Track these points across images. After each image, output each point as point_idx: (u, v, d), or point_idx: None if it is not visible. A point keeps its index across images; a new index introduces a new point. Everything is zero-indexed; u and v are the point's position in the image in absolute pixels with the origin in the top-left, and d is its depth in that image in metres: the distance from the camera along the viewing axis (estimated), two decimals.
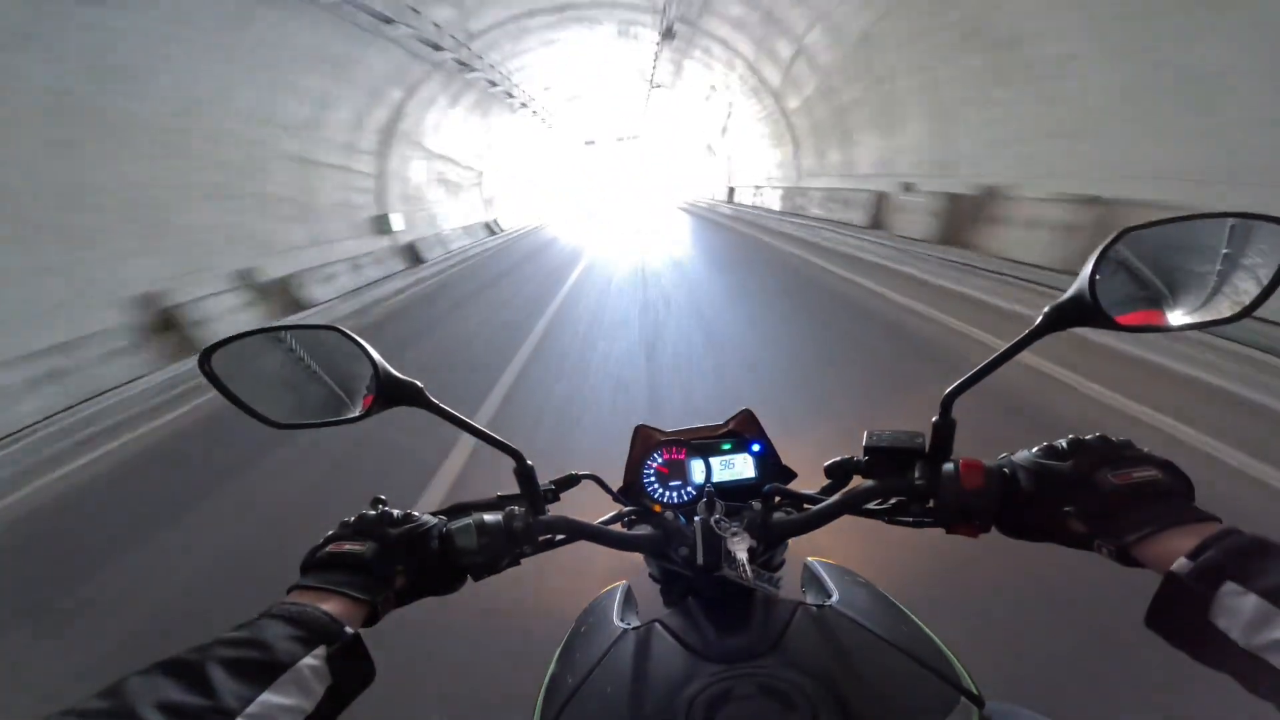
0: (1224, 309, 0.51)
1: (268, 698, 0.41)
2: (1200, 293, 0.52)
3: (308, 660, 0.45)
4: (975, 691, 0.57)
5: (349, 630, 0.49)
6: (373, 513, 0.64)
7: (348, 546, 0.58)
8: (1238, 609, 0.39)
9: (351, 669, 0.48)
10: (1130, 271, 0.52)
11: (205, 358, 0.58)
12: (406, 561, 0.60)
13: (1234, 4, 4.17)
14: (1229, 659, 0.40)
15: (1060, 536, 0.54)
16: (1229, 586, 0.40)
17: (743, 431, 0.84)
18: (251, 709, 0.40)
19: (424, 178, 15.37)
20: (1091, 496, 0.51)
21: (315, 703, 0.44)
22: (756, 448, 0.80)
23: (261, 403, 0.60)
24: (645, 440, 0.82)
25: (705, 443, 0.80)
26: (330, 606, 0.50)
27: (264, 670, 0.42)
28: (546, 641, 0.76)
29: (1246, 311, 0.50)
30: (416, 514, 0.65)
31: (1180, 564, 0.43)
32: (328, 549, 0.58)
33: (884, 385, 3.70)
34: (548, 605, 1.93)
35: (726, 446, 0.80)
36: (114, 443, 4.29)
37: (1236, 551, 0.41)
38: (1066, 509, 0.52)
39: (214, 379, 0.59)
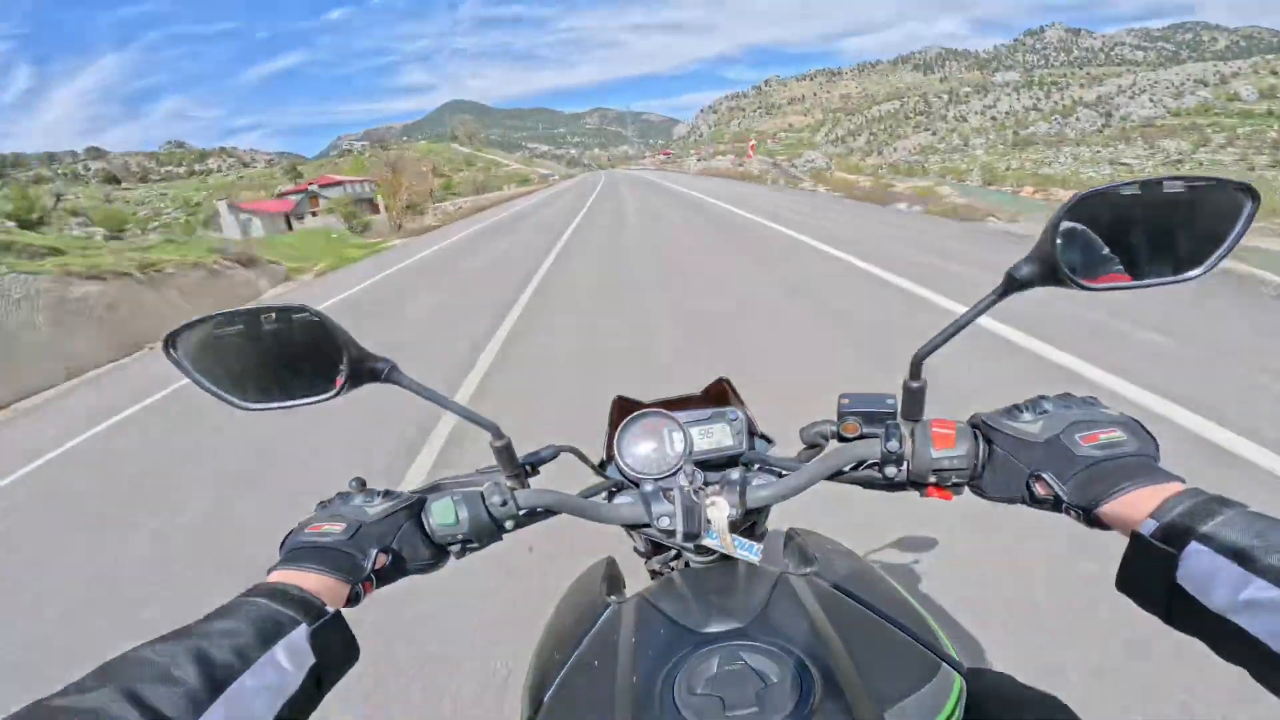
0: (1184, 266, 0.54)
1: (247, 679, 0.40)
2: (1160, 251, 0.54)
3: (288, 639, 0.44)
4: (956, 658, 0.58)
5: (330, 608, 0.49)
6: (350, 493, 0.64)
7: (325, 527, 0.58)
8: (1205, 570, 0.38)
9: (335, 648, 0.48)
10: (1091, 232, 0.54)
11: (170, 342, 0.57)
12: (384, 541, 0.59)
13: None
14: (1199, 622, 0.39)
15: (1030, 499, 0.54)
16: (1194, 547, 0.39)
17: (720, 399, 0.85)
18: (230, 691, 0.39)
19: None
20: (1061, 460, 0.51)
21: (299, 682, 0.44)
22: (734, 416, 0.80)
23: (229, 384, 0.61)
24: (623, 411, 0.80)
25: (683, 412, 0.79)
26: (309, 585, 0.50)
27: (243, 651, 0.41)
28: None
29: (1208, 267, 0.53)
30: (396, 492, 0.65)
31: (1145, 525, 0.42)
32: (306, 531, 0.58)
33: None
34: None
35: (704, 415, 0.79)
36: None
37: (1201, 511, 0.40)
38: (1037, 473, 0.52)
39: (179, 363, 0.58)
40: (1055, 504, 0.51)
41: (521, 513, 0.65)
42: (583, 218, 17.43)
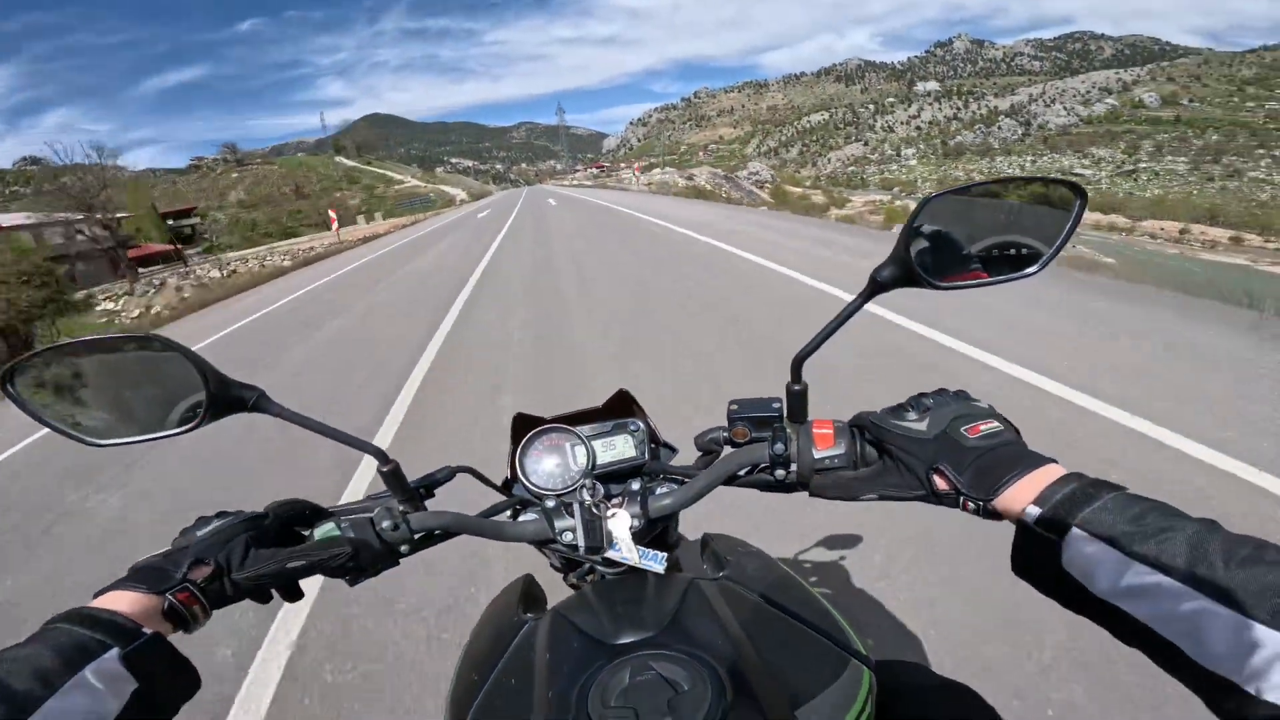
0: (1026, 263, 0.57)
1: (55, 704, 0.38)
2: (1005, 249, 0.57)
3: (97, 663, 0.42)
4: (865, 653, 0.60)
5: (146, 630, 0.46)
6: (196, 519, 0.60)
7: (160, 552, 0.55)
8: (1086, 557, 0.39)
9: (159, 671, 0.45)
10: (940, 234, 0.56)
11: (7, 378, 0.54)
12: (204, 553, 0.54)
13: None
14: (1088, 607, 0.40)
15: (931, 493, 0.53)
16: (1074, 534, 0.40)
17: (621, 411, 0.84)
18: (36, 716, 0.37)
19: None
20: (954, 453, 0.52)
21: (120, 706, 0.41)
22: (634, 426, 0.79)
23: (78, 421, 0.58)
24: (525, 427, 0.79)
25: (585, 425, 0.78)
26: (121, 606, 0.47)
27: (46, 677, 0.39)
28: None
29: (1045, 263, 0.57)
30: (254, 512, 0.61)
31: (1028, 512, 0.43)
32: (146, 557, 0.54)
33: None
34: None
35: (606, 428, 0.78)
36: None
37: (1080, 497, 0.41)
38: (934, 467, 0.52)
39: (18, 400, 0.55)
40: (955, 497, 0.51)
41: (417, 536, 0.65)
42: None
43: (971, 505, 0.50)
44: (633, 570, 0.66)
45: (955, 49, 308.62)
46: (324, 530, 0.62)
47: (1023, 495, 0.45)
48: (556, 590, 0.82)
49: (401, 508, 0.65)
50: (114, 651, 0.43)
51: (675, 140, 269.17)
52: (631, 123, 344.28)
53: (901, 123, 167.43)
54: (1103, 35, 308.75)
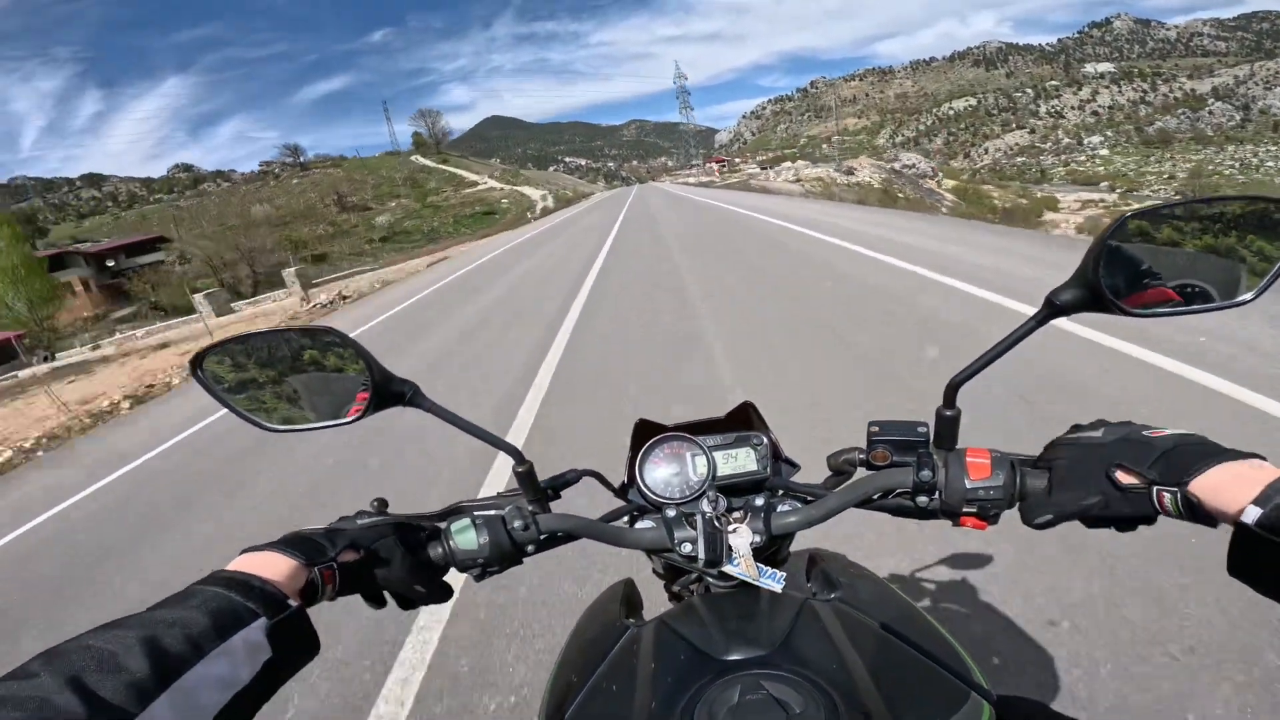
0: (1233, 291, 0.52)
1: (200, 669, 0.39)
2: (1207, 275, 0.52)
3: (245, 633, 0.42)
4: (985, 686, 0.57)
5: (292, 603, 0.47)
6: (356, 512, 0.63)
7: (308, 530, 0.57)
8: None
9: (293, 643, 0.46)
10: (1135, 255, 0.52)
11: (197, 361, 0.58)
12: (356, 540, 0.57)
13: None
14: None
15: (1106, 498, 0.49)
16: None
17: (744, 423, 0.82)
18: (180, 682, 0.37)
19: None
20: (1136, 449, 0.48)
21: (251, 674, 0.42)
22: (758, 440, 0.76)
23: (256, 406, 0.61)
24: (646, 434, 0.77)
25: (707, 436, 0.76)
26: (271, 573, 0.48)
27: (197, 642, 0.40)
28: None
29: (1260, 290, 0.51)
30: (408, 514, 0.65)
31: (1249, 513, 0.40)
32: (294, 531, 0.57)
33: None
34: None
35: (729, 439, 0.76)
36: None
37: None
38: (1115, 464, 0.48)
39: (206, 384, 0.59)
40: (1144, 492, 0.47)
41: (543, 537, 0.65)
42: None
43: (1167, 497, 0.45)
44: (742, 585, 0.65)
45: (1116, 29, 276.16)
46: (459, 525, 0.63)
47: (1234, 489, 0.42)
48: (652, 595, 0.82)
49: (531, 508, 0.67)
50: (261, 621, 0.43)
51: (793, 133, 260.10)
52: (744, 116, 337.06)
53: (1072, 107, 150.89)
54: None
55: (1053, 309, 0.53)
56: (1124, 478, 0.48)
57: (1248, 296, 0.51)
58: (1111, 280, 0.50)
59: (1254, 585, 0.42)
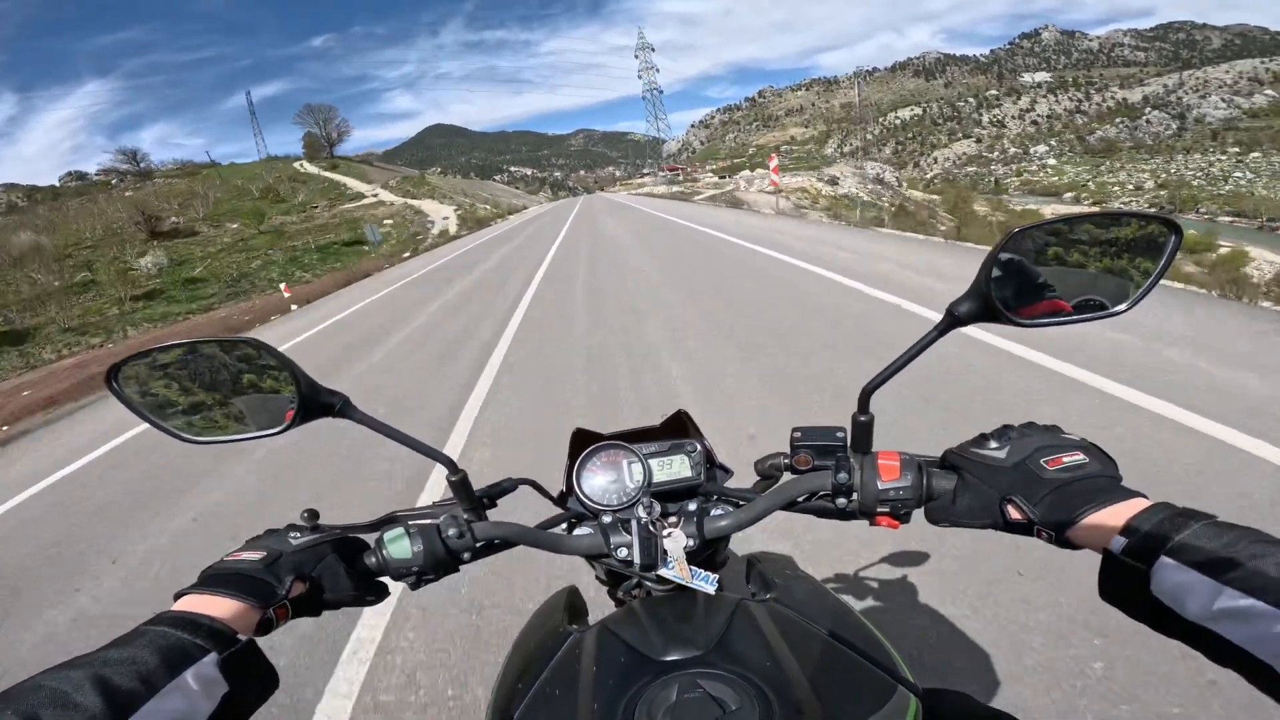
0: (1113, 300, 0.56)
1: (153, 705, 0.39)
2: (1091, 286, 0.56)
3: (196, 668, 0.43)
4: (911, 680, 0.60)
5: (242, 637, 0.48)
6: (279, 530, 0.63)
7: (243, 556, 0.57)
8: (1177, 583, 0.39)
9: (249, 676, 0.47)
10: (1024, 269, 0.55)
11: (112, 374, 0.57)
12: (301, 570, 0.57)
13: None
14: (1182, 631, 0.41)
15: (996, 523, 0.54)
16: (1163, 561, 0.40)
17: (679, 431, 0.85)
18: (136, 718, 0.38)
19: None
20: (1030, 484, 0.52)
21: (210, 710, 0.42)
22: (693, 447, 0.78)
23: (176, 418, 0.61)
24: (583, 443, 0.80)
25: (643, 444, 0.78)
26: (219, 612, 0.49)
27: (147, 679, 0.40)
28: None
29: (1135, 301, 0.55)
30: (330, 526, 0.64)
31: (1115, 542, 0.44)
32: (224, 560, 0.57)
33: None
34: None
35: (664, 447, 0.78)
36: None
37: (1168, 526, 0.41)
38: (1008, 498, 0.53)
39: (121, 396, 0.58)
40: (1027, 527, 0.52)
41: (479, 545, 0.66)
42: None
43: (1044, 535, 0.50)
44: (681, 588, 0.67)
45: (1044, 40, 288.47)
46: (392, 534, 0.64)
47: (1106, 526, 0.45)
48: (597, 602, 0.85)
49: (466, 516, 0.67)
50: (212, 656, 0.44)
51: (742, 142, 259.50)
52: (693, 125, 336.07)
53: (1013, 117, 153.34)
54: (1205, 25, 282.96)
55: (951, 320, 0.56)
56: (1013, 513, 0.52)
57: (1123, 307, 0.56)
58: (1002, 292, 0.53)
59: (1122, 609, 0.45)
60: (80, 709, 0.36)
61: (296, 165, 73.80)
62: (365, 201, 54.00)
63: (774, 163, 18.36)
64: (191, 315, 24.07)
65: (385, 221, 43.04)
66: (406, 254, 26.86)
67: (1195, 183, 70.61)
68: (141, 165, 75.29)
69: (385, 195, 56.79)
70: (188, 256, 37.33)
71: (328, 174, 66.98)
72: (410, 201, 53.79)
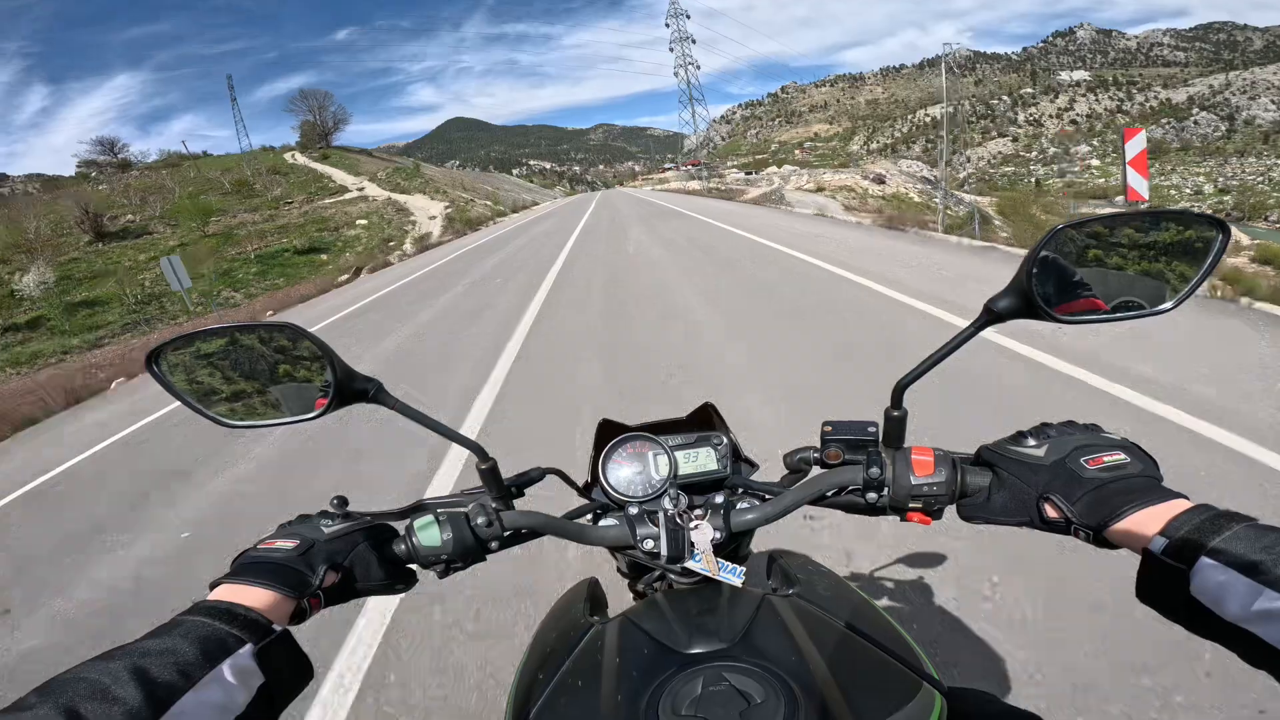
0: (1155, 299, 0.55)
1: (191, 698, 0.39)
2: (1132, 284, 0.55)
3: (234, 659, 0.43)
4: (936, 677, 0.59)
5: (277, 627, 0.48)
6: (311, 515, 0.63)
7: (277, 544, 0.56)
8: (1216, 584, 0.39)
9: (284, 667, 0.47)
10: (1065, 266, 0.54)
11: (153, 358, 0.58)
12: (335, 559, 0.57)
13: None
14: (1218, 631, 0.40)
15: (1033, 521, 0.54)
16: (1204, 562, 0.40)
17: (705, 424, 0.85)
18: (174, 710, 0.38)
19: None
20: (1069, 483, 0.52)
21: (247, 700, 0.43)
22: (719, 440, 0.77)
23: (214, 402, 0.61)
24: (609, 434, 0.79)
25: (668, 436, 0.77)
26: (255, 602, 0.49)
27: (186, 670, 0.40)
28: None
29: (1177, 302, 0.55)
30: (360, 514, 0.64)
31: (1155, 542, 0.44)
32: (258, 548, 0.56)
33: None
34: None
35: (690, 439, 0.77)
36: None
37: (1209, 527, 0.41)
38: (1045, 496, 0.52)
39: (162, 379, 0.59)
40: (1065, 525, 0.51)
41: (507, 534, 0.67)
42: None
43: (1082, 535, 0.50)
44: (705, 581, 0.67)
45: (1080, 39, 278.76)
46: (422, 522, 0.64)
47: (1146, 526, 0.45)
48: (616, 595, 0.83)
49: (495, 504, 0.67)
50: (248, 647, 0.44)
51: (764, 138, 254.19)
52: (715, 120, 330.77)
53: (1050, 116, 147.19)
54: (1245, 25, 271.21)
55: (990, 315, 0.55)
56: (1050, 511, 0.52)
57: (1167, 305, 0.55)
58: (1043, 289, 0.53)
59: (1159, 609, 0.45)
60: (120, 702, 0.36)
61: (286, 156, 65.95)
62: (347, 197, 46.31)
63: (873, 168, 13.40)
64: (65, 357, 16.93)
65: (358, 222, 36.46)
66: (344, 278, 19.24)
67: (1261, 187, 65.39)
68: (119, 156, 65.94)
69: (371, 189, 49.06)
70: (108, 268, 28.35)
71: (315, 165, 60.28)
72: (396, 197, 45.85)
